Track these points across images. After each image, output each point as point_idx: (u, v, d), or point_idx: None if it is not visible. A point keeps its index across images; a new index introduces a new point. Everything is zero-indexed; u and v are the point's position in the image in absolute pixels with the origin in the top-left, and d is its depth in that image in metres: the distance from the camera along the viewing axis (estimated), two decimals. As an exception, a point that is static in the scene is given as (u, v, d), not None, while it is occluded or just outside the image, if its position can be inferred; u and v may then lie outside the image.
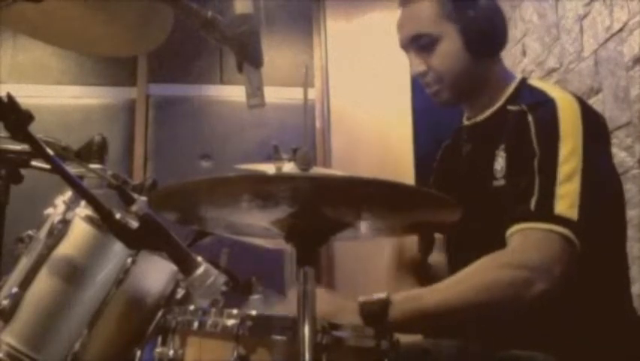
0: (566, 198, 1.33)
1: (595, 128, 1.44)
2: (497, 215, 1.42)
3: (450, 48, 1.52)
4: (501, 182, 1.45)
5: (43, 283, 1.30)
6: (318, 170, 2.41)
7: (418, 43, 1.55)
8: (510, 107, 1.51)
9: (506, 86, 1.57)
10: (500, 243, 1.37)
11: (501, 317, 1.39)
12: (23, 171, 1.32)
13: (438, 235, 1.72)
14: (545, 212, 1.33)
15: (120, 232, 1.18)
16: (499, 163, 1.45)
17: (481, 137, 1.58)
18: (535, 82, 1.59)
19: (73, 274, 1.31)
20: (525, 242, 1.34)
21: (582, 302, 1.39)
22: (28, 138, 1.16)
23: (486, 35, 1.53)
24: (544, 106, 1.43)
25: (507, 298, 1.30)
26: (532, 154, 1.38)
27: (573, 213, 1.32)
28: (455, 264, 1.58)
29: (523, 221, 1.35)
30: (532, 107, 1.43)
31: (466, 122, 1.65)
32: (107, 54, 2.69)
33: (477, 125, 1.60)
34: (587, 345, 1.39)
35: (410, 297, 1.32)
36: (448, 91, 1.55)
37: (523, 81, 1.58)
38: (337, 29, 3.82)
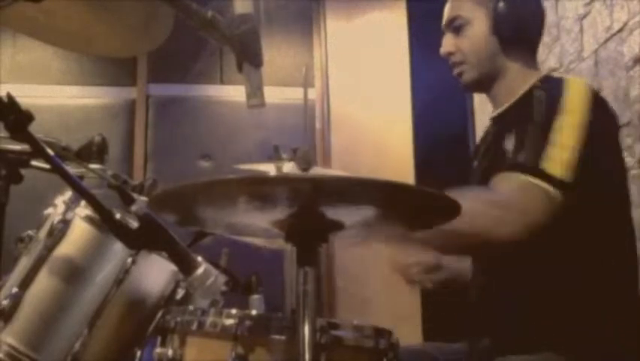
0: (556, 160, 1.39)
1: (602, 112, 1.50)
2: None
3: (478, 31, 1.63)
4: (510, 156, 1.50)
5: (43, 283, 1.30)
6: (318, 170, 2.41)
7: (453, 25, 1.67)
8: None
9: (530, 77, 1.62)
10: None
11: (478, 250, 1.47)
12: (23, 171, 1.32)
13: None
14: (531, 166, 1.40)
15: (120, 232, 1.19)
16: (510, 141, 1.51)
17: (502, 123, 1.63)
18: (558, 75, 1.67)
19: (73, 274, 1.31)
20: (506, 186, 1.41)
21: (591, 298, 1.42)
22: (28, 138, 1.16)
23: (513, 22, 1.61)
24: (554, 82, 1.53)
25: (482, 230, 1.35)
26: (535, 120, 1.45)
27: (560, 173, 1.38)
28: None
29: (510, 170, 1.42)
30: (542, 84, 1.53)
31: (494, 114, 1.70)
32: (107, 54, 2.68)
33: (503, 113, 1.65)
34: (594, 340, 1.40)
35: None
36: (471, 72, 1.65)
37: (548, 74, 1.66)
38: (337, 29, 3.81)
